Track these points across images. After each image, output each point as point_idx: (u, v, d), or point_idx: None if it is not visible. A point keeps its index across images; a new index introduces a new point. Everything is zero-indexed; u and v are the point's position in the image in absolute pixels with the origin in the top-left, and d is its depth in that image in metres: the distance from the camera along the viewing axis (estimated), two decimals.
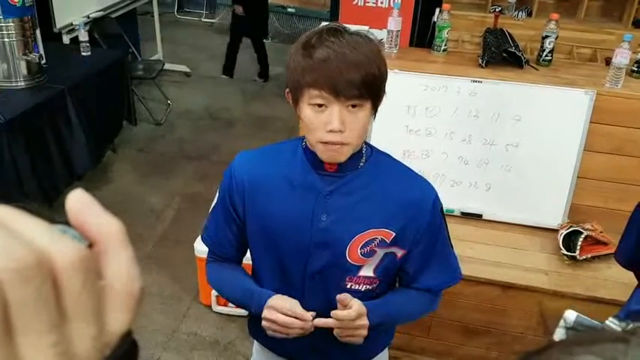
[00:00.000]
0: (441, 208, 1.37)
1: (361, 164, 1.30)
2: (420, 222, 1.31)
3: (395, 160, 1.40)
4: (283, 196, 1.31)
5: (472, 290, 2.38)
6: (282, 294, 1.34)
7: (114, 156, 4.43)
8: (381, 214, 1.30)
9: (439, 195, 1.37)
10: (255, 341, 1.63)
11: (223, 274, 1.48)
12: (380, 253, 1.32)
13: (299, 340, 1.36)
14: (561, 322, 1.33)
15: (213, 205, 1.45)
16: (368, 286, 1.37)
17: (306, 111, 1.19)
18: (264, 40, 5.97)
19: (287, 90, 1.26)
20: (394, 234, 1.30)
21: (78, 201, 0.29)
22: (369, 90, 1.17)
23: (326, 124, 1.17)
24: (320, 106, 1.17)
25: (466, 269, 2.35)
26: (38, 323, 0.24)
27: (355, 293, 1.35)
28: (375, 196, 1.31)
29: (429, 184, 1.36)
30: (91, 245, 0.28)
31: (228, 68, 5.96)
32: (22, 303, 0.23)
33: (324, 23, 1.45)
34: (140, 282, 0.29)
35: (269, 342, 1.50)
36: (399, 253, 1.34)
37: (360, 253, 1.31)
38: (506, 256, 2.43)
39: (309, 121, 1.19)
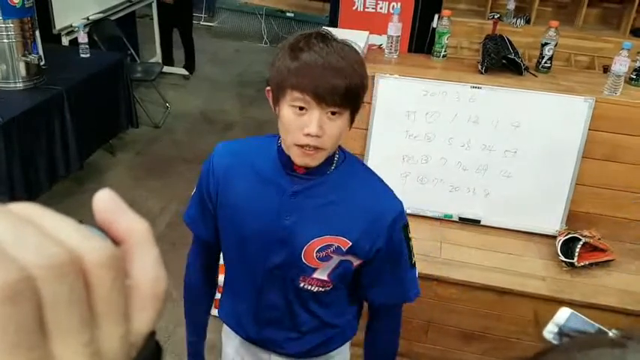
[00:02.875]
0: (405, 224, 1.37)
1: (330, 170, 1.32)
2: (377, 236, 1.32)
3: (367, 170, 1.42)
4: (252, 190, 1.34)
5: (469, 296, 2.38)
6: (244, 282, 1.45)
7: (112, 158, 4.42)
8: (340, 222, 1.32)
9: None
10: (224, 328, 1.66)
11: (193, 302, 1.62)
12: (335, 259, 1.34)
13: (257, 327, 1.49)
14: (554, 319, 1.32)
15: (194, 191, 1.50)
16: (320, 288, 1.40)
17: (286, 112, 1.20)
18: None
19: (268, 88, 1.27)
20: (350, 243, 1.32)
21: (106, 200, 0.28)
22: (351, 99, 1.18)
23: (304, 127, 1.18)
24: (301, 108, 1.17)
25: (463, 274, 2.37)
26: (72, 322, 0.24)
27: (306, 292, 1.40)
28: (338, 203, 1.32)
29: (396, 199, 1.36)
30: (115, 244, 0.28)
31: (168, 59, 6.01)
32: (56, 301, 0.23)
33: (324, 28, 1.46)
34: (166, 283, 0.29)
35: (232, 325, 1.59)
36: (355, 262, 1.36)
37: (316, 256, 1.34)
38: (504, 261, 2.43)
39: (288, 122, 1.20)
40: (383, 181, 1.39)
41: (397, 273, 1.40)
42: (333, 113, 1.18)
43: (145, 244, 0.28)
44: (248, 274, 1.43)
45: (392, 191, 1.38)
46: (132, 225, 0.28)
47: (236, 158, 1.38)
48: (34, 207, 0.26)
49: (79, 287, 0.24)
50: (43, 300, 0.23)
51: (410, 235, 1.40)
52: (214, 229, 1.46)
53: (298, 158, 1.24)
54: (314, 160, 1.24)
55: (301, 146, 1.20)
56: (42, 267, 0.23)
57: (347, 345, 1.62)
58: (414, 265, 1.43)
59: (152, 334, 0.28)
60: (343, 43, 1.20)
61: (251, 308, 1.48)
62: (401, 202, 1.36)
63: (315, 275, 1.37)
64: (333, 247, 1.32)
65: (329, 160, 1.30)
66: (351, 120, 1.24)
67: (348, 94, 1.16)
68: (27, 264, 0.23)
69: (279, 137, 1.32)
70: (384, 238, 1.32)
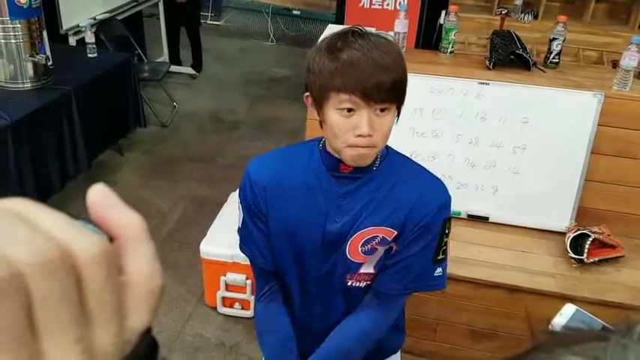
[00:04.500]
0: (447, 217, 1.32)
1: (375, 166, 1.30)
2: (418, 218, 1.28)
3: (412, 162, 1.38)
4: (300, 198, 1.31)
5: (479, 293, 2.37)
6: (299, 290, 1.40)
7: (120, 158, 4.43)
8: (385, 213, 1.29)
9: None
10: None
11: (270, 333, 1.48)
12: (381, 250, 1.32)
13: (312, 342, 1.42)
14: (561, 312, 1.32)
15: (240, 220, 1.41)
16: (369, 282, 1.37)
17: (333, 115, 1.17)
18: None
19: (306, 94, 1.24)
20: (396, 232, 1.29)
21: (99, 195, 0.28)
22: (397, 93, 1.16)
23: (354, 128, 1.15)
24: (349, 110, 1.15)
25: (473, 272, 2.36)
26: (61, 319, 0.23)
27: (356, 290, 1.37)
28: (384, 195, 1.30)
29: (445, 190, 1.33)
30: (110, 240, 0.27)
31: (175, 58, 6.00)
32: (46, 297, 0.23)
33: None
34: (161, 278, 0.28)
35: None
36: (395, 247, 1.33)
37: (361, 250, 1.31)
38: (513, 259, 2.42)
39: (337, 125, 1.17)
40: (433, 174, 1.36)
41: (417, 261, 1.33)
42: (381, 110, 1.15)
43: (139, 240, 0.28)
44: (302, 284, 1.40)
45: (441, 182, 1.34)
46: (126, 220, 0.28)
47: (277, 169, 1.35)
48: (26, 203, 0.25)
49: (69, 284, 0.24)
50: (33, 297, 0.23)
51: (447, 232, 1.34)
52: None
53: (351, 159, 1.22)
54: (367, 159, 1.23)
55: (353, 146, 1.18)
56: (31, 263, 0.23)
57: (398, 354, 1.60)
58: (438, 261, 1.36)
59: (148, 331, 0.28)
60: (380, 36, 1.17)
61: (303, 321, 1.45)
62: (449, 195, 1.32)
63: (362, 270, 1.34)
64: (378, 238, 1.29)
65: (374, 157, 1.28)
66: (398, 113, 1.21)
67: (395, 89, 1.14)
68: (16, 260, 0.22)
69: (320, 141, 1.30)
70: (426, 222, 1.28)
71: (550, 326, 1.39)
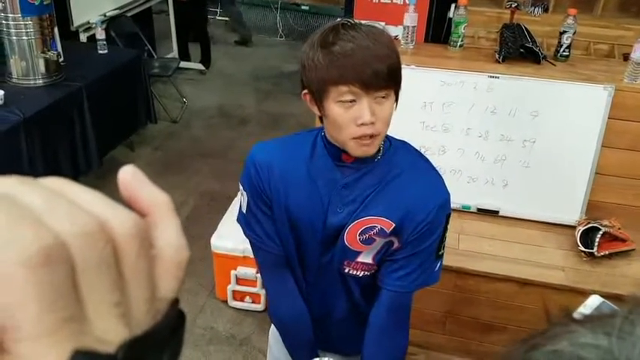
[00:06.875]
0: (448, 214, 1.34)
1: (378, 157, 1.31)
2: (419, 219, 1.30)
3: (414, 154, 1.39)
4: (302, 187, 1.32)
5: (489, 287, 2.37)
6: (301, 280, 1.43)
7: (131, 154, 4.47)
8: (384, 204, 1.30)
9: (455, 192, 1.35)
10: (272, 329, 1.66)
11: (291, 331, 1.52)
12: (380, 241, 1.33)
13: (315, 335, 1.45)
14: (586, 303, 1.32)
15: (245, 205, 1.40)
16: (366, 272, 1.38)
17: (335, 109, 1.18)
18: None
19: (304, 92, 1.25)
20: (394, 225, 1.30)
21: (130, 174, 0.30)
22: (394, 79, 1.18)
23: (356, 118, 1.17)
24: (351, 101, 1.16)
25: (483, 266, 2.36)
26: (102, 284, 0.25)
27: (352, 278, 1.39)
28: (384, 187, 1.31)
29: (444, 187, 1.34)
30: (140, 217, 0.29)
31: (184, 54, 6.03)
32: (88, 265, 0.25)
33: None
34: (188, 251, 0.30)
35: None
36: (396, 243, 1.34)
37: (359, 239, 1.32)
38: (524, 252, 2.42)
39: (339, 118, 1.18)
40: (434, 168, 1.37)
41: (421, 259, 1.35)
42: (383, 97, 1.18)
43: (166, 216, 0.30)
44: (304, 269, 1.43)
45: (441, 179, 1.36)
46: (154, 197, 0.30)
47: (280, 156, 1.36)
48: (65, 180, 0.28)
49: (108, 254, 0.25)
50: (76, 264, 0.24)
51: (448, 227, 1.36)
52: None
53: (357, 150, 1.23)
54: (372, 148, 1.24)
55: (358, 138, 1.19)
56: (74, 234, 0.24)
57: None
58: (439, 257, 1.39)
59: (176, 302, 0.29)
60: (370, 26, 1.20)
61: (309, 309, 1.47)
62: (448, 192, 1.34)
63: (360, 259, 1.35)
64: (376, 228, 1.31)
65: (378, 146, 1.29)
66: (396, 99, 1.23)
67: (391, 75, 1.16)
68: (60, 231, 0.24)
69: (321, 130, 1.31)
70: (426, 222, 1.30)
71: (575, 315, 1.38)
